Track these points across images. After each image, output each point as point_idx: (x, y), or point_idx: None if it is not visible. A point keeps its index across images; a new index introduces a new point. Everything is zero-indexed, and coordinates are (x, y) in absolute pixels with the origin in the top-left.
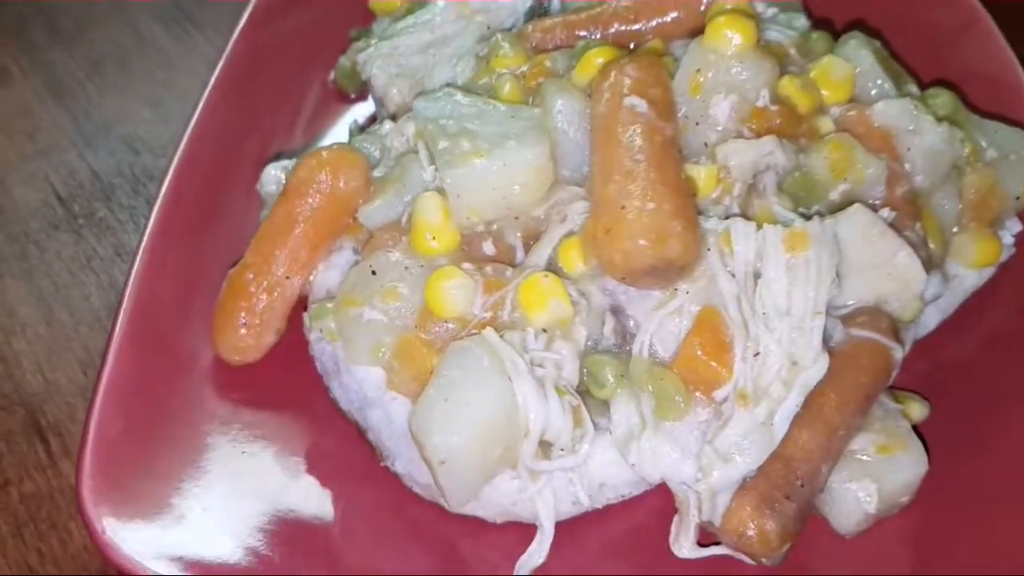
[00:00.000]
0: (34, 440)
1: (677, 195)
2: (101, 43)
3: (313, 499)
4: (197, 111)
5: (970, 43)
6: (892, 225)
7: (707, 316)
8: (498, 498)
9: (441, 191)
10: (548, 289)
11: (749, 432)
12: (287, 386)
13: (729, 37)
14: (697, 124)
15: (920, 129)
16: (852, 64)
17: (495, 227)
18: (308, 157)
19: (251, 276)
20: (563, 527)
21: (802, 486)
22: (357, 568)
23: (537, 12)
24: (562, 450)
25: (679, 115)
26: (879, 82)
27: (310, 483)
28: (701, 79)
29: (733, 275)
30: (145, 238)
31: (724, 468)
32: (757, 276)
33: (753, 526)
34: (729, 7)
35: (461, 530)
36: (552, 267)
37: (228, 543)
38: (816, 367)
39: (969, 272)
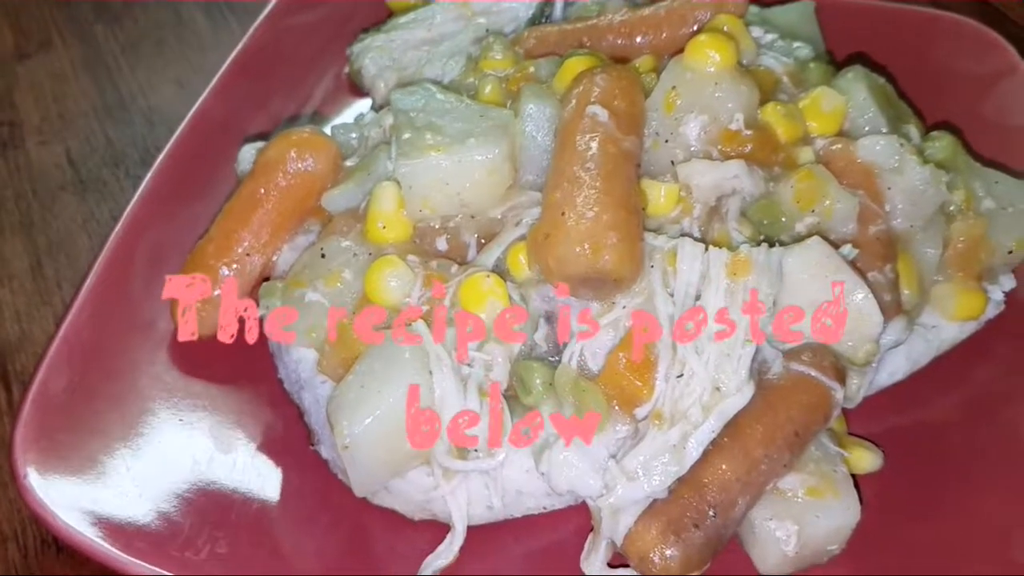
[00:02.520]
0: None
1: (620, 208)
2: (143, 23)
3: (238, 475)
4: (207, 90)
5: (1005, 92)
6: (855, 264)
7: (634, 333)
8: (412, 492)
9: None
10: (488, 290)
11: (658, 453)
12: (240, 363)
13: (707, 57)
14: (667, 142)
15: (903, 169)
16: (845, 97)
17: (451, 224)
18: (278, 138)
19: (211, 250)
20: (484, 533)
21: (714, 516)
22: (262, 546)
23: (539, 20)
24: (477, 451)
25: (650, 131)
26: (871, 118)
27: (240, 459)
28: (675, 97)
29: (672, 295)
30: (129, 205)
31: (627, 487)
32: (698, 298)
33: (655, 551)
34: (724, 28)
35: (380, 523)
36: (501, 269)
37: (142, 506)
38: (739, 396)
39: (949, 325)
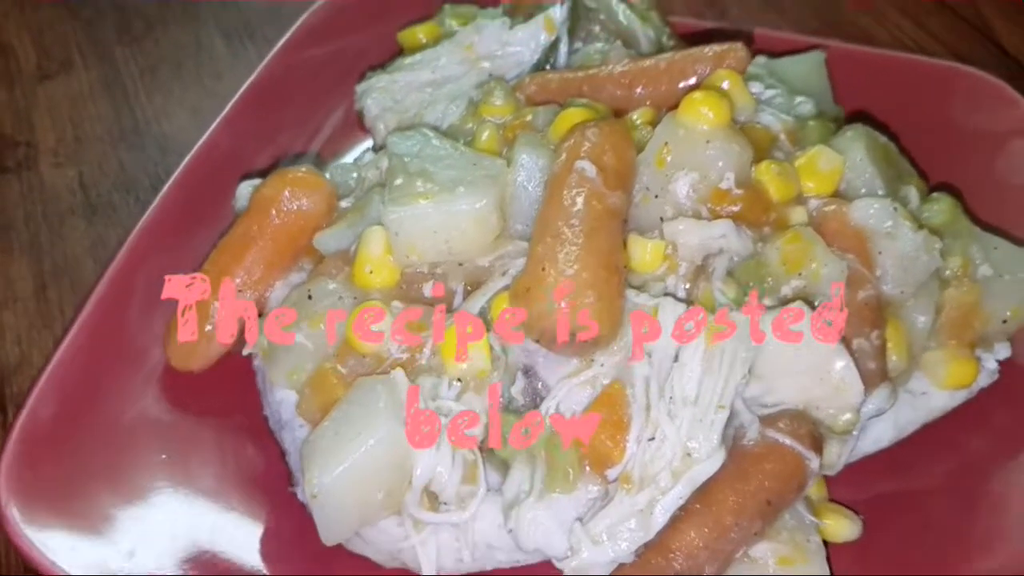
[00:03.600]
0: None
1: (600, 267)
2: (163, 46)
3: (217, 513)
4: (216, 122)
5: (1019, 152)
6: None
7: (612, 392)
8: (383, 541)
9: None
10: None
11: (625, 518)
12: (229, 399)
13: (700, 115)
14: (657, 197)
15: (896, 234)
16: (842, 157)
17: (439, 271)
18: (274, 177)
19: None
20: None
21: None
22: None
23: (543, 66)
24: (446, 504)
25: (641, 185)
26: (868, 179)
27: (220, 497)
28: (667, 153)
29: (650, 355)
30: (131, 235)
31: (592, 550)
32: (676, 359)
33: None
34: (724, 84)
35: (353, 570)
36: (485, 318)
37: (118, 542)
38: (709, 462)
39: (939, 392)
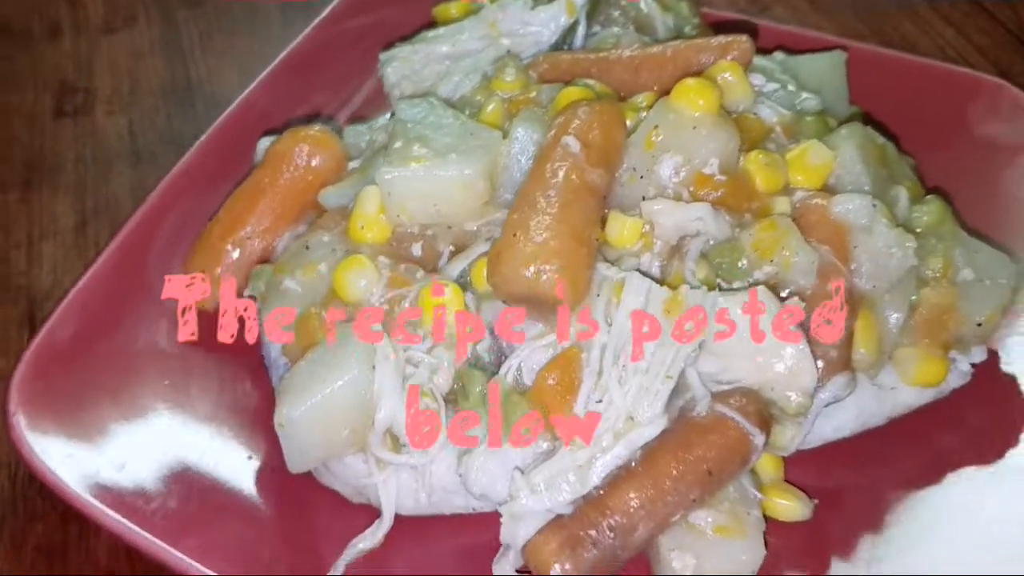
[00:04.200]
0: (24, 332)
1: (569, 237)
2: (222, 11)
3: (208, 440)
4: (255, 82)
5: None
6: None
7: (568, 355)
8: (349, 476)
9: None
10: (445, 299)
11: (564, 471)
12: (235, 339)
13: (690, 100)
14: (642, 178)
15: (872, 229)
16: (834, 153)
17: (429, 232)
18: (288, 133)
19: (218, 231)
20: (416, 526)
21: (612, 538)
22: (207, 505)
23: (561, 46)
24: (407, 447)
25: (628, 166)
26: (857, 176)
27: (213, 425)
28: (656, 135)
29: (610, 324)
30: (164, 180)
31: (529, 498)
32: None
33: (552, 561)
34: (728, 76)
35: (324, 502)
36: (464, 281)
37: (112, 454)
38: (650, 427)
39: (908, 389)
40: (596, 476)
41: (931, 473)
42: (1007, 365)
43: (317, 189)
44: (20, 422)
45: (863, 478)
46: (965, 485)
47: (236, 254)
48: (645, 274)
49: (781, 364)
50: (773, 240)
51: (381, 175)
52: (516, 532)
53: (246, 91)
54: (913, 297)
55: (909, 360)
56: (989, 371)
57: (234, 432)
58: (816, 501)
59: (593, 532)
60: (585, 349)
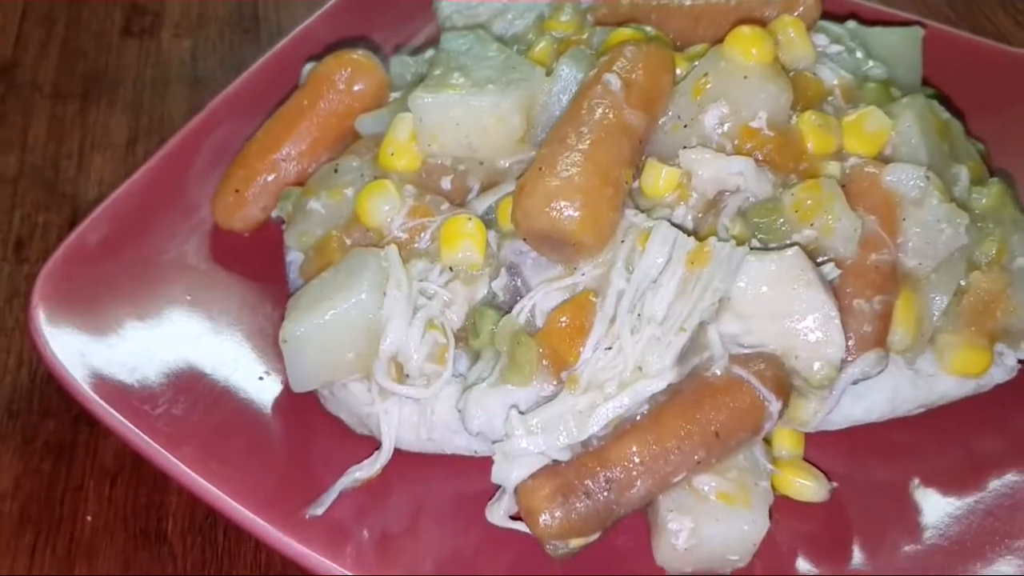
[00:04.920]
0: (64, 234)
1: (596, 175)
2: None
3: (220, 356)
4: (317, 13)
5: None
6: (834, 285)
7: (581, 298)
8: (353, 404)
9: None
10: (467, 232)
11: (562, 416)
12: (261, 264)
13: (744, 49)
14: (686, 127)
15: (924, 203)
16: (892, 122)
17: (461, 167)
18: (332, 57)
19: (255, 150)
20: (418, 463)
21: (608, 492)
22: (211, 416)
23: None
24: (411, 379)
25: (673, 114)
26: (914, 148)
27: (227, 344)
28: (705, 83)
29: (630, 271)
30: (212, 101)
31: (524, 438)
32: (655, 282)
33: (542, 509)
34: (789, 31)
35: (330, 430)
36: (490, 218)
37: (124, 358)
38: (657, 379)
39: (947, 378)
40: (595, 424)
41: (967, 474)
42: None
43: (357, 115)
44: (39, 316)
45: (893, 469)
46: (1003, 492)
47: (271, 176)
48: (676, 226)
49: (807, 331)
50: (816, 203)
51: (414, 99)
52: (509, 473)
53: (305, 22)
54: (962, 282)
55: (950, 347)
56: None
57: (250, 351)
58: (836, 485)
59: (589, 482)
60: (601, 294)
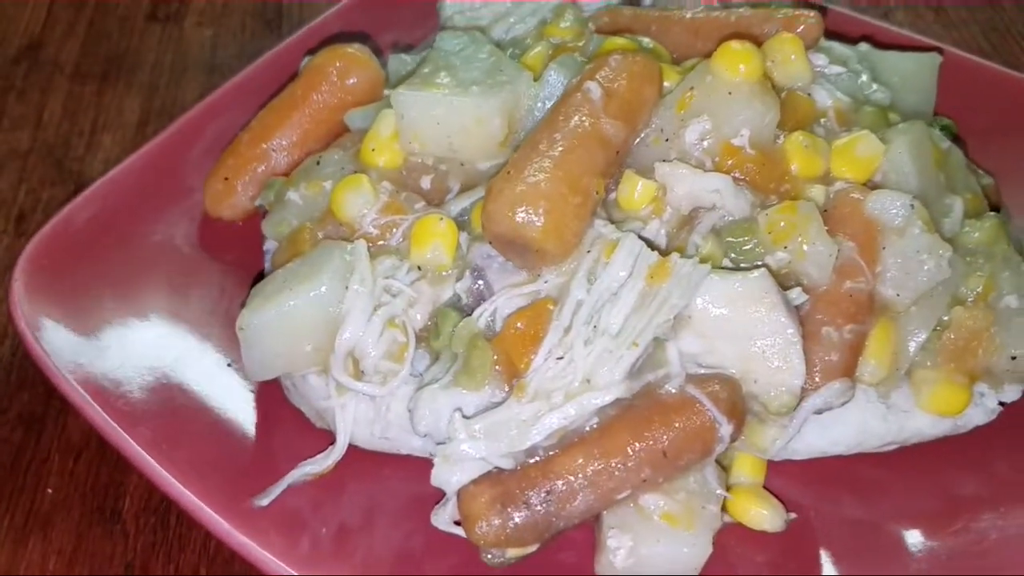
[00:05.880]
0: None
1: (565, 184)
2: None
3: (192, 341)
4: (334, 8)
5: None
6: (804, 311)
7: (539, 306)
8: (311, 395)
9: None
10: (438, 232)
11: (505, 423)
12: (245, 252)
13: (730, 64)
14: (667, 140)
15: (906, 232)
16: (884, 147)
17: (442, 167)
18: (327, 50)
19: (247, 139)
20: (372, 462)
21: (548, 503)
22: (172, 396)
23: (633, 4)
24: (367, 375)
25: (656, 127)
26: (905, 176)
27: (201, 328)
28: (690, 97)
29: (592, 282)
30: (219, 88)
31: (466, 443)
32: (616, 294)
33: (480, 514)
34: (788, 51)
35: (291, 422)
36: (465, 220)
37: (96, 338)
38: (603, 392)
39: (920, 415)
40: (538, 433)
41: (941, 517)
42: None
43: (349, 108)
44: (18, 288)
45: (863, 505)
46: (978, 538)
47: (261, 165)
48: (647, 240)
49: (767, 355)
50: (790, 225)
51: (396, 96)
52: (450, 477)
53: (321, 16)
54: (946, 317)
55: (927, 383)
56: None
57: (221, 339)
58: (794, 516)
59: (530, 493)
60: (559, 303)
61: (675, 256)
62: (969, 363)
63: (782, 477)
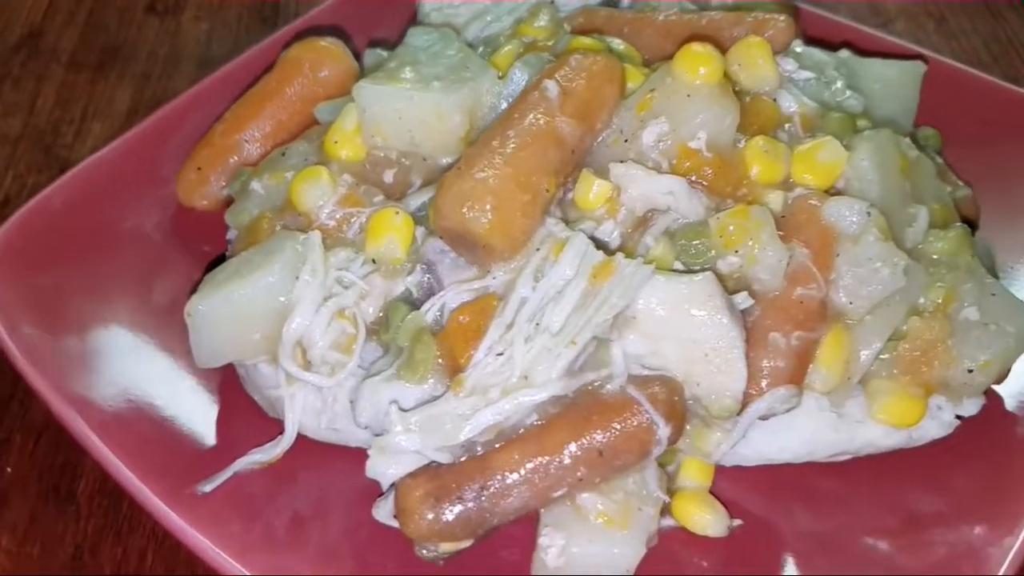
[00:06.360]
0: None
1: (514, 182)
2: None
3: (148, 329)
4: (324, 4)
5: None
6: (753, 317)
7: (484, 301)
8: (262, 384)
9: None
10: (394, 226)
11: (442, 416)
12: (213, 233)
13: (690, 66)
14: (626, 141)
15: (861, 239)
16: (847, 154)
17: (405, 161)
18: (302, 43)
19: (221, 130)
20: (323, 455)
21: (483, 499)
22: (126, 379)
23: (612, 4)
24: (314, 365)
25: (616, 127)
26: (868, 184)
27: (161, 318)
28: (650, 99)
29: (538, 280)
30: (205, 79)
31: (400, 435)
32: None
33: (414, 508)
34: (759, 60)
35: (247, 412)
36: (423, 215)
37: (57, 316)
38: (539, 391)
39: (873, 425)
40: (473, 428)
41: (897, 531)
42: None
43: (320, 101)
44: None
45: (816, 516)
46: (932, 553)
47: (234, 156)
48: (599, 241)
49: (710, 359)
50: (742, 229)
51: (358, 89)
52: (385, 469)
53: (312, 11)
54: (904, 328)
55: (881, 393)
56: (979, 428)
57: (184, 326)
58: (739, 523)
59: (465, 488)
60: (503, 300)
61: (619, 256)
62: (925, 375)
63: (734, 483)
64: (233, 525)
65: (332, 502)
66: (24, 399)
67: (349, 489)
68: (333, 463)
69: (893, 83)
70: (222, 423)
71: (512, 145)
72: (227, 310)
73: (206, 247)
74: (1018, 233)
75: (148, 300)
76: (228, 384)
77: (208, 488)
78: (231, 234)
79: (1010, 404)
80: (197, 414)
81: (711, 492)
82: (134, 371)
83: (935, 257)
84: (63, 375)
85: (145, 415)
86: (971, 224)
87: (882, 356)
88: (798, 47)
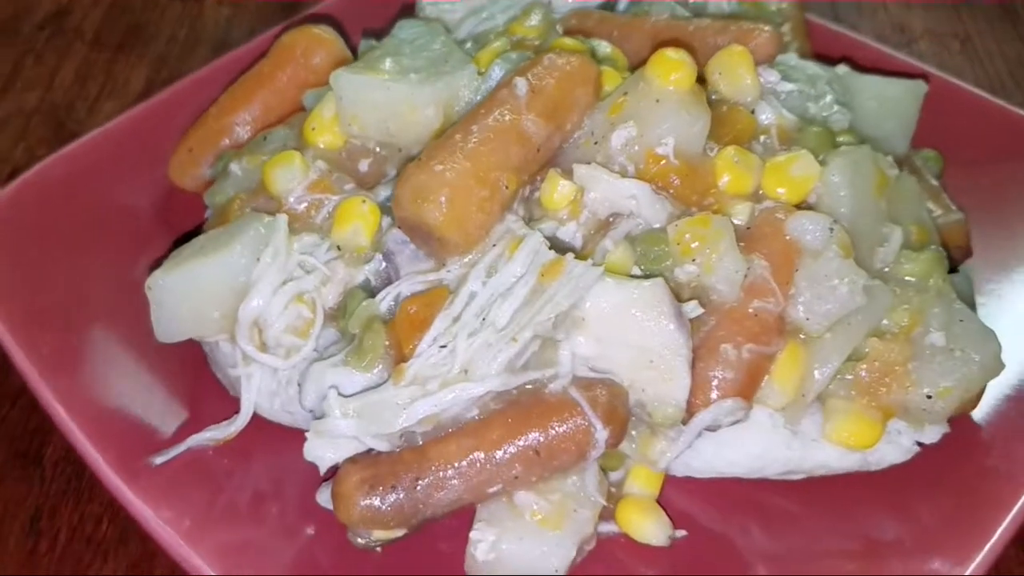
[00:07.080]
0: None
1: (472, 177)
2: None
3: (125, 305)
4: None
5: None
6: (707, 326)
7: (435, 293)
8: (222, 362)
9: None
10: (360, 214)
11: (379, 404)
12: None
13: (662, 72)
14: (596, 143)
15: (821, 256)
16: (820, 169)
17: (381, 152)
18: (296, 30)
19: (214, 112)
20: (282, 438)
21: (417, 489)
22: (88, 356)
23: (610, 7)
24: (267, 346)
25: (588, 129)
26: (841, 200)
27: (141, 291)
28: (622, 103)
29: (490, 276)
30: (210, 63)
31: (338, 420)
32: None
33: (348, 493)
34: (739, 69)
35: (212, 390)
36: (390, 205)
37: (33, 288)
38: (476, 384)
39: (827, 446)
40: (409, 418)
41: (855, 560)
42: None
43: (310, 87)
44: None
45: (766, 535)
46: None
47: (225, 138)
48: (559, 241)
49: (655, 365)
50: (699, 238)
51: (336, 77)
52: (323, 453)
53: (325, 1)
54: (865, 348)
55: (835, 413)
56: (942, 456)
57: None
58: (683, 534)
59: (400, 477)
60: (453, 293)
61: (568, 256)
62: (883, 397)
63: (687, 495)
64: (180, 499)
65: (284, 483)
66: (4, 366)
67: (302, 471)
68: (289, 445)
69: (891, 101)
70: (192, 400)
71: (474, 140)
72: (187, 287)
73: (194, 226)
74: (1010, 259)
75: (131, 276)
76: (200, 362)
77: (159, 460)
78: (208, 213)
79: (984, 434)
80: (167, 391)
81: (661, 502)
82: (108, 343)
83: (906, 279)
84: (37, 342)
85: (113, 388)
86: (962, 250)
87: (842, 376)
88: (792, 60)
